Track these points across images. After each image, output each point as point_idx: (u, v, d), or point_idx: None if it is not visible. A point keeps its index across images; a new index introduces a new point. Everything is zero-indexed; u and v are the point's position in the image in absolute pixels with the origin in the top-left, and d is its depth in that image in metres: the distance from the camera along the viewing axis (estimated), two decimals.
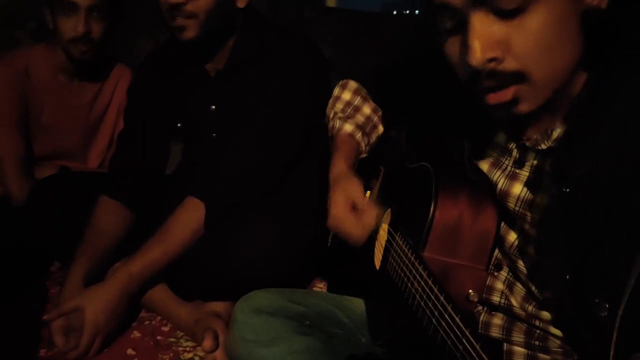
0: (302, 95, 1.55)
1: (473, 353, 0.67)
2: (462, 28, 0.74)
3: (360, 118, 1.33)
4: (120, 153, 1.74)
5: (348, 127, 1.30)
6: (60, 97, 2.00)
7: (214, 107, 1.64)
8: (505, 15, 0.71)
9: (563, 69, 0.74)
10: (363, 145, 1.30)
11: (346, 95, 1.37)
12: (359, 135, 1.30)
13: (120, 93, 2.09)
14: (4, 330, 1.52)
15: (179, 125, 1.71)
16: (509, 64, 0.72)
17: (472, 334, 0.68)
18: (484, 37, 0.71)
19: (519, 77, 0.73)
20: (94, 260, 1.52)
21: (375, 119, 1.35)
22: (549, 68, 0.73)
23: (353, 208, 1.16)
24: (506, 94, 0.75)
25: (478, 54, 0.71)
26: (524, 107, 0.76)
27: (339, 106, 1.36)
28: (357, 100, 1.36)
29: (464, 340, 0.69)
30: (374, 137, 1.34)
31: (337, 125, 1.32)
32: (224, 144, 1.60)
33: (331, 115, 1.37)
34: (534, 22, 0.70)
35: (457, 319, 0.72)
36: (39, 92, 1.98)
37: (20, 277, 1.76)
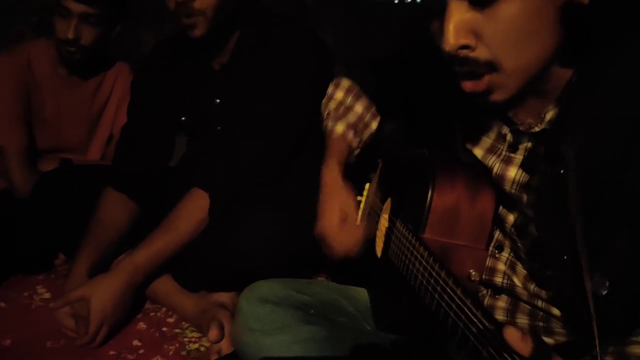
0: (303, 86, 1.55)
1: (475, 320, 0.67)
2: (444, 12, 0.77)
3: (351, 117, 1.35)
4: (125, 146, 1.74)
5: (339, 128, 1.32)
6: (61, 90, 2.01)
7: (218, 100, 1.63)
8: (479, 4, 0.73)
9: (536, 59, 0.76)
10: (355, 144, 1.33)
11: (339, 95, 1.39)
12: (350, 135, 1.32)
13: (119, 88, 2.10)
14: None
15: (183, 119, 1.71)
16: (481, 53, 0.75)
17: (473, 304, 0.69)
18: (458, 24, 0.74)
19: (490, 66, 0.76)
20: (98, 251, 1.53)
21: (368, 116, 1.36)
22: (520, 58, 0.75)
23: (343, 221, 1.21)
24: (480, 85, 0.78)
25: (451, 39, 0.75)
26: (498, 97, 0.79)
27: (332, 105, 1.39)
28: (349, 99, 1.37)
29: (466, 310, 0.69)
30: (366, 135, 1.36)
31: (330, 125, 1.35)
32: (228, 135, 1.60)
33: (325, 114, 1.39)
34: (506, 12, 0.72)
35: (459, 292, 0.73)
36: (41, 85, 1.98)
37: (26, 269, 1.77)
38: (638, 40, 0.72)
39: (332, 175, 1.27)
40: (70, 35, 1.80)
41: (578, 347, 0.84)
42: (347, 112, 1.36)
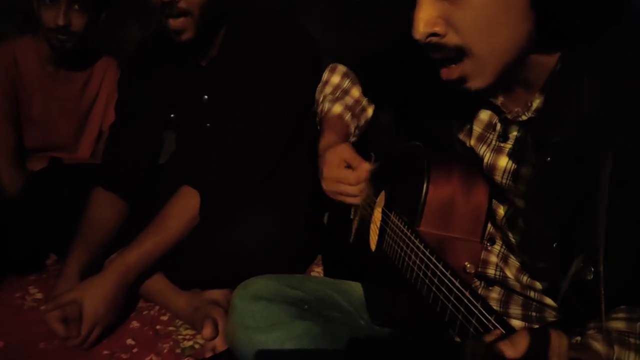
0: (291, 83, 1.54)
1: (475, 310, 0.67)
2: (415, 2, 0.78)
3: (349, 100, 1.32)
4: (113, 144, 1.73)
5: (337, 108, 1.29)
6: (49, 88, 1.99)
7: (206, 97, 1.62)
8: None
9: (509, 46, 0.76)
10: (352, 127, 1.30)
11: (335, 79, 1.37)
12: (348, 116, 1.29)
13: (108, 84, 2.08)
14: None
15: (172, 116, 1.69)
16: (451, 39, 0.77)
17: (472, 294, 0.69)
18: (427, 13, 0.76)
19: (461, 51, 0.77)
20: (89, 252, 1.52)
21: (364, 102, 1.34)
22: (491, 45, 0.76)
23: (346, 167, 1.18)
24: (452, 72, 0.80)
25: (420, 28, 0.76)
26: (473, 84, 0.80)
27: (328, 89, 1.36)
28: (346, 83, 1.35)
29: (465, 301, 0.70)
30: (362, 121, 1.34)
31: (326, 107, 1.31)
32: (217, 133, 1.59)
33: (320, 99, 1.36)
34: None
35: (457, 283, 0.73)
36: (28, 83, 1.97)
37: (17, 270, 1.76)
38: (620, 27, 0.72)
39: (327, 141, 1.23)
40: (61, 22, 1.79)
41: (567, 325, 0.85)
42: (344, 95, 1.33)
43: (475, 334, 0.66)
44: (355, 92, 1.34)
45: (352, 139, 1.31)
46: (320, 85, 1.39)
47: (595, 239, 0.69)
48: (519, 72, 0.81)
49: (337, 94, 1.34)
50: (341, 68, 1.38)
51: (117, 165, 1.68)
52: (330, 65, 1.40)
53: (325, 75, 1.40)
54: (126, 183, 1.65)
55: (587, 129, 0.72)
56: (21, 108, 1.97)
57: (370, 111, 1.35)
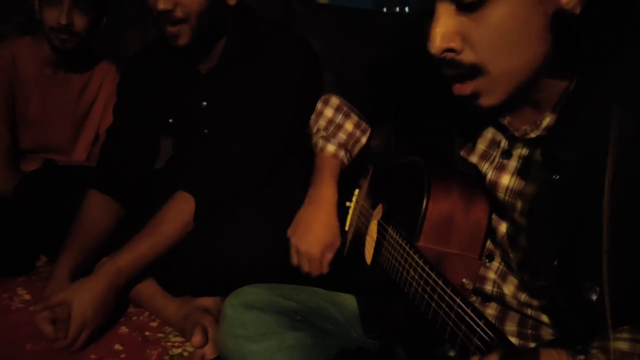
0: (291, 92, 1.54)
1: (477, 329, 0.67)
2: (432, 14, 0.77)
3: (342, 136, 1.36)
4: (110, 147, 1.72)
5: (331, 148, 1.34)
6: (47, 90, 1.99)
7: (205, 103, 1.62)
8: (466, 8, 0.74)
9: (524, 66, 0.76)
10: (345, 160, 1.35)
11: (328, 112, 1.39)
12: (341, 154, 1.34)
13: (106, 89, 2.09)
14: None
15: (170, 121, 1.69)
16: (467, 56, 0.76)
17: (474, 312, 0.68)
18: (444, 28, 0.75)
19: (476, 69, 0.76)
20: (81, 254, 1.51)
21: (358, 133, 1.37)
22: (507, 64, 0.76)
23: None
24: (466, 88, 0.79)
25: (437, 42, 0.75)
26: (485, 101, 0.80)
27: (322, 123, 1.39)
28: (339, 118, 1.37)
29: (467, 318, 0.69)
30: (357, 150, 1.38)
31: (320, 144, 1.35)
32: (214, 139, 1.59)
33: (314, 130, 1.39)
34: (493, 17, 0.73)
35: (458, 300, 0.72)
36: (26, 84, 1.96)
37: (6, 270, 1.74)
38: (635, 50, 0.72)
39: (329, 192, 1.32)
40: (63, 21, 1.79)
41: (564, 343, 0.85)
42: (337, 131, 1.36)
43: (478, 354, 0.65)
44: (349, 126, 1.37)
45: (346, 163, 1.36)
46: (314, 115, 1.42)
47: (600, 258, 0.68)
48: (530, 92, 0.81)
49: (331, 129, 1.37)
50: (334, 100, 1.39)
51: (113, 167, 1.67)
52: (324, 97, 1.42)
53: (318, 106, 1.42)
54: (121, 186, 1.64)
55: (598, 148, 0.71)
56: (18, 109, 1.96)
57: (364, 140, 1.38)
